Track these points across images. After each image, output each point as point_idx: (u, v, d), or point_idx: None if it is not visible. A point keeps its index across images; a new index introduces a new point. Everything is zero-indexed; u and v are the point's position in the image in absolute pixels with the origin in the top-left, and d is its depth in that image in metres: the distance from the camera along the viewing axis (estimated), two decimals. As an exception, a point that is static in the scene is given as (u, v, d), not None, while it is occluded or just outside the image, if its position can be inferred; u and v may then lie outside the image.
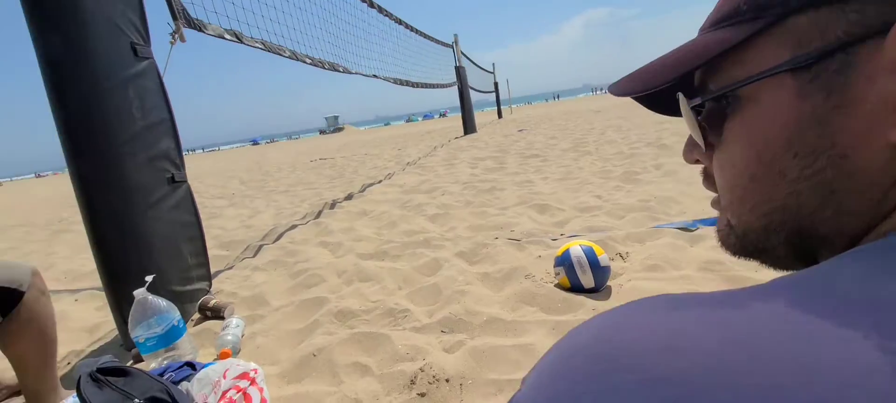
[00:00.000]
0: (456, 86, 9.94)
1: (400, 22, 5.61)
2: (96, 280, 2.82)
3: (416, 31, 6.64)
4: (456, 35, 10.22)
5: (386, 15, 4.99)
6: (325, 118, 71.59)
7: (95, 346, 1.84)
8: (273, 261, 2.54)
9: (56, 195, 12.26)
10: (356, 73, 4.08)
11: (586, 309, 1.49)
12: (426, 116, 70.66)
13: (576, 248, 1.61)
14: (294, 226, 3.35)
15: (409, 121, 69.21)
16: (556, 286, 1.67)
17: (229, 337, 1.61)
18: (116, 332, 1.82)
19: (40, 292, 1.33)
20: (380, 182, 5.03)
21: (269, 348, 1.58)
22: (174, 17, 1.91)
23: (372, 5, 4.59)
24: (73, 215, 6.96)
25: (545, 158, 4.94)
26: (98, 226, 1.64)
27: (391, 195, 3.98)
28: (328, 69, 3.47)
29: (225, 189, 7.20)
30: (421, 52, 7.16)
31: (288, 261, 2.50)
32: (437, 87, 7.93)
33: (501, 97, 20.45)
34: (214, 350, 1.61)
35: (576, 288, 1.61)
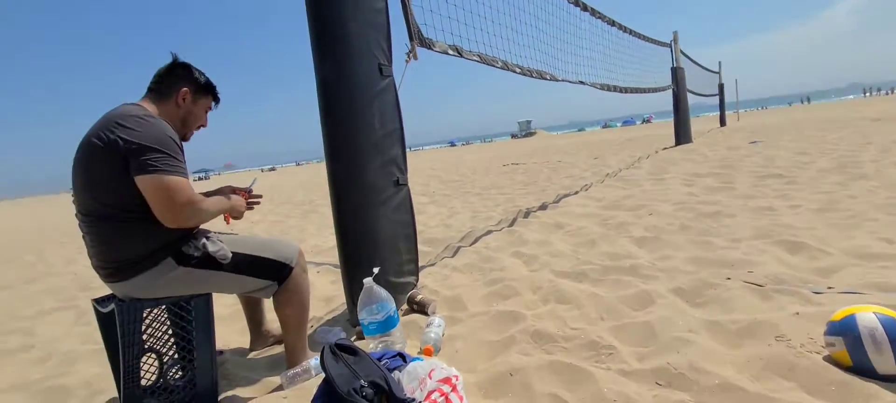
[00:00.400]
0: (671, 90, 8.86)
1: (613, 23, 5.26)
2: (332, 257, 3.44)
3: (631, 32, 6.13)
4: (676, 32, 9.09)
5: (598, 17, 4.74)
6: (518, 122, 73.35)
7: (330, 316, 2.21)
8: (469, 265, 2.65)
9: (309, 182, 15.66)
10: (563, 81, 3.98)
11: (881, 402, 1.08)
12: (626, 122, 64.85)
13: (867, 315, 1.18)
14: (489, 232, 3.46)
15: (606, 126, 64.97)
16: (826, 359, 1.26)
17: (432, 335, 1.72)
18: (345, 308, 2.15)
19: (303, 269, 1.64)
20: (576, 193, 4.82)
21: (466, 354, 1.62)
22: (411, 38, 2.15)
23: (585, 8, 4.41)
24: (318, 198, 8.79)
25: (793, 180, 3.95)
26: (342, 218, 1.95)
27: (589, 209, 3.75)
28: (535, 77, 3.47)
29: (427, 187, 8.00)
30: (633, 53, 6.60)
31: (484, 267, 2.57)
32: (649, 92, 7.20)
33: (726, 100, 17.22)
34: (418, 343, 1.73)
35: (862, 369, 1.18)
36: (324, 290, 2.63)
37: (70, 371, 1.95)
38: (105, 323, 1.52)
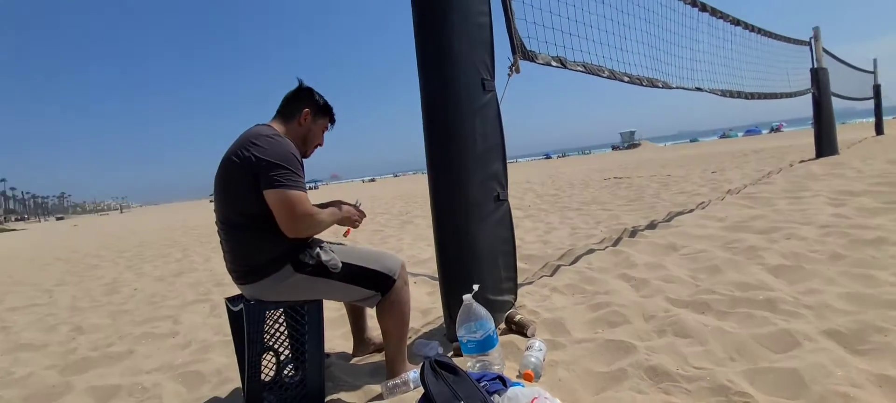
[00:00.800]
0: (810, 94, 7.66)
1: (737, 22, 4.71)
2: (428, 268, 3.50)
3: (759, 31, 5.44)
4: (817, 28, 7.87)
5: (720, 16, 4.27)
6: (620, 133, 68.86)
7: (427, 329, 2.22)
8: (571, 286, 2.50)
9: (406, 193, 16.33)
10: (677, 88, 3.64)
11: None
12: (749, 131, 57.19)
13: None
14: (591, 251, 3.25)
15: (725, 136, 58.13)
16: None
17: (533, 359, 1.63)
18: (442, 321, 2.15)
19: (404, 282, 1.67)
20: (691, 211, 4.36)
21: (570, 384, 1.51)
22: (513, 52, 2.11)
23: (704, 8, 4.00)
24: (415, 209, 9.10)
25: None
26: (442, 232, 1.96)
27: (709, 230, 3.35)
28: (646, 85, 3.21)
29: (522, 201, 7.84)
30: (762, 55, 5.81)
31: (587, 289, 2.41)
32: (782, 97, 6.31)
33: (884, 104, 14.37)
34: (517, 366, 1.66)
35: None
36: (421, 302, 2.67)
37: (204, 359, 2.21)
38: (234, 320, 1.69)
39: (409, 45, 1.96)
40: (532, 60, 2.24)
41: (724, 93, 4.45)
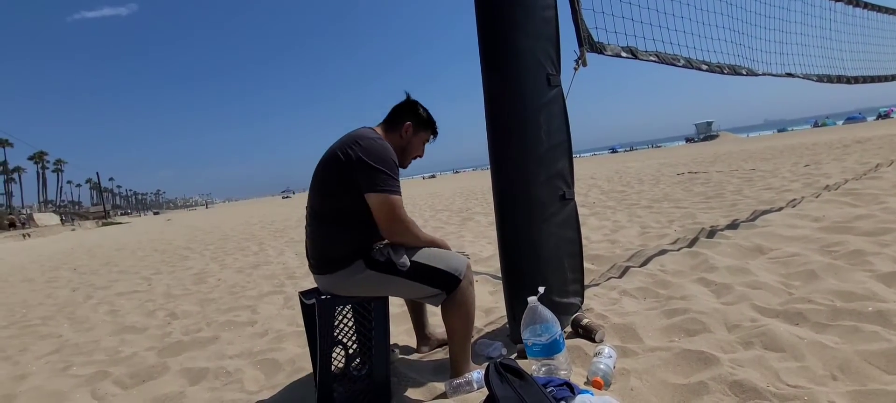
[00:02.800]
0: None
1: (836, -1, 4.19)
2: (490, 266, 3.47)
3: (864, 5, 4.80)
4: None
5: (815, -6, 3.83)
6: (696, 124, 64.06)
7: (490, 328, 2.20)
8: (642, 289, 2.37)
9: (466, 189, 16.37)
10: (763, 75, 3.31)
11: None
12: (850, 118, 50.50)
13: None
14: (664, 251, 3.06)
15: (818, 125, 52.09)
16: None
17: (602, 366, 1.56)
18: (506, 322, 2.12)
19: (469, 282, 1.66)
20: (780, 209, 3.95)
21: (643, 395, 1.43)
22: (580, 44, 2.03)
23: (796, -14, 3.60)
24: (475, 205, 9.09)
25: None
26: (506, 232, 1.93)
27: (803, 231, 3.02)
28: (727, 73, 2.95)
29: (586, 197, 7.56)
30: (866, 32, 5.12)
31: (660, 293, 2.27)
32: (893, 80, 5.54)
33: None
34: (584, 372, 1.59)
35: None
36: (483, 301, 2.65)
37: (279, 348, 2.35)
38: (307, 312, 1.78)
39: (471, 40, 1.94)
40: (600, 52, 2.14)
41: (820, 79, 3.98)
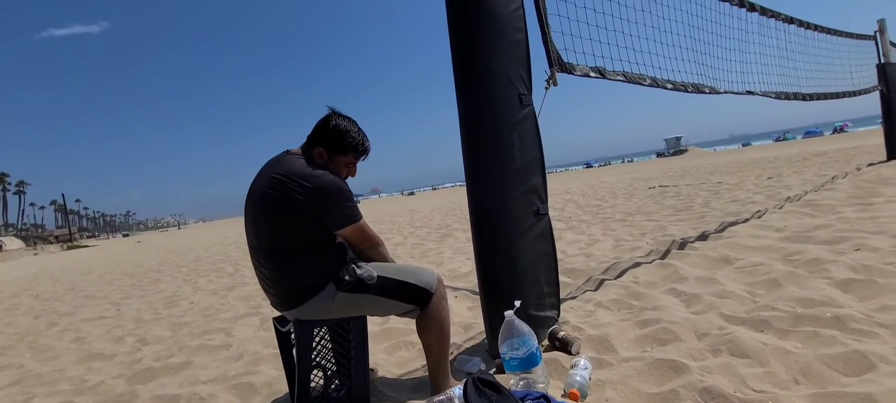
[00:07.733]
0: (877, 92, 7.11)
1: (790, 20, 4.45)
2: (469, 282, 3.49)
3: (815, 28, 5.12)
4: (882, 21, 7.31)
5: (771, 16, 4.06)
6: (665, 140, 66.17)
7: (469, 344, 2.21)
8: (616, 301, 2.43)
9: (445, 206, 16.41)
10: (725, 93, 3.48)
11: None
12: (809, 132, 53.23)
13: None
14: (637, 264, 3.14)
15: (781, 139, 54.53)
16: None
17: (578, 378, 1.59)
18: (485, 337, 2.14)
19: (441, 297, 1.68)
20: (745, 221, 4.12)
21: (618, 405, 1.46)
22: (550, 65, 2.10)
23: (752, 8, 3.82)
24: (454, 222, 9.11)
25: None
26: (482, 248, 1.96)
27: (766, 240, 3.16)
28: (692, 92, 3.09)
29: (562, 212, 7.69)
30: (819, 53, 5.45)
31: (633, 305, 2.33)
32: (845, 97, 5.89)
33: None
34: (561, 384, 1.62)
35: None
36: (462, 316, 2.66)
37: (255, 371, 2.30)
38: (282, 338, 1.76)
39: (445, 59, 1.98)
40: (570, 72, 2.22)
41: (778, 96, 4.21)
